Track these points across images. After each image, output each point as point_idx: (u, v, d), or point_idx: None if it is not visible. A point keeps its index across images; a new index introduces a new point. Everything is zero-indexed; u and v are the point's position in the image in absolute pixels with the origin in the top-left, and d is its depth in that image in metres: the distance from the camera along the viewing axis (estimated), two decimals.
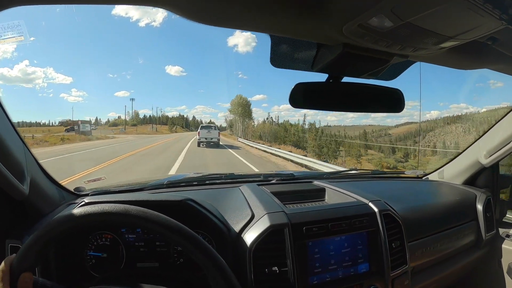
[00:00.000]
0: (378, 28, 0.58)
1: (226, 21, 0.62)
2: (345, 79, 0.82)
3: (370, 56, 0.70)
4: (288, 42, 0.73)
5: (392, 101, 0.85)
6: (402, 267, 1.06)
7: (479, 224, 1.48)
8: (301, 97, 0.78)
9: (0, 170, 0.79)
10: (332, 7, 0.55)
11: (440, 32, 0.60)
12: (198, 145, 18.82)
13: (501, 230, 1.58)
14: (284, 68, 0.81)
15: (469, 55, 0.83)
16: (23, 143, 0.95)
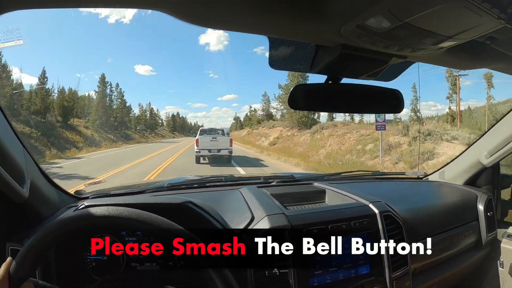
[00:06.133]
0: (376, 29, 0.58)
1: (224, 23, 0.62)
2: (344, 80, 0.82)
3: (368, 57, 0.70)
4: (286, 44, 0.73)
5: (392, 102, 0.85)
6: (403, 268, 1.05)
7: (480, 224, 1.48)
8: (301, 98, 0.77)
9: None
10: (330, 8, 0.56)
11: (438, 32, 0.60)
12: (197, 161, 11.10)
13: (501, 231, 1.57)
14: (283, 70, 0.81)
15: (468, 55, 0.82)
16: (23, 147, 0.96)
